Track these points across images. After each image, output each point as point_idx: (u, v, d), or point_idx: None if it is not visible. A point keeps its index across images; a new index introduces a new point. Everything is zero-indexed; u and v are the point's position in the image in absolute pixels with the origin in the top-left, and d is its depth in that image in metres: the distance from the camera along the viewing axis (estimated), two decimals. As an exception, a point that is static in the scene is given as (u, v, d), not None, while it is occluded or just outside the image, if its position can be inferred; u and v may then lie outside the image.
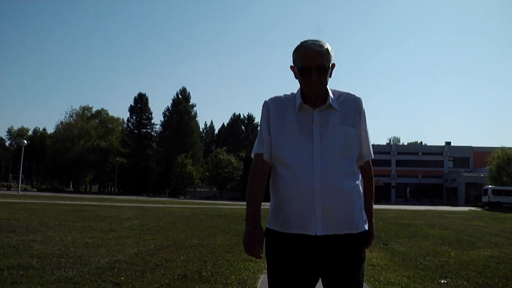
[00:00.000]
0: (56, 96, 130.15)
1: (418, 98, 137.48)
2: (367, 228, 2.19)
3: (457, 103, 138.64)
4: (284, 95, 2.28)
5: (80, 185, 78.65)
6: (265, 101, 2.27)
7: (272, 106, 2.23)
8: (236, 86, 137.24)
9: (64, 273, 5.47)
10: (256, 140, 2.30)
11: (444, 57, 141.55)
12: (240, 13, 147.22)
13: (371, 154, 2.30)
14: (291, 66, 2.21)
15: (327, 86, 2.19)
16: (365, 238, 2.18)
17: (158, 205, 27.70)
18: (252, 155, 2.29)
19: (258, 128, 2.33)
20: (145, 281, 5.26)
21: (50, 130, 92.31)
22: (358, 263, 2.10)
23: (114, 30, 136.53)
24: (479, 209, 41.18)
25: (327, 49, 2.11)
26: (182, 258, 7.03)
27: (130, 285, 5.07)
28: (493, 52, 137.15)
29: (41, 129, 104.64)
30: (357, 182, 2.14)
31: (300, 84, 2.17)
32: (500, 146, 52.80)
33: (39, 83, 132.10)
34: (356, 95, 2.26)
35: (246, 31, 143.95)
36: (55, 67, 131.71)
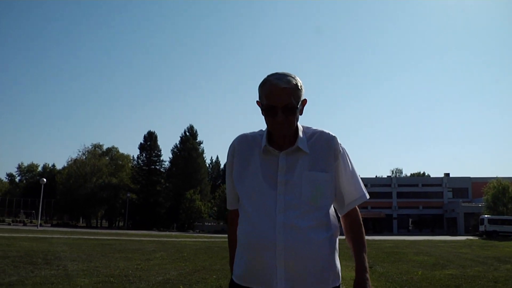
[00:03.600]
0: (65, 133, 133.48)
1: (418, 129, 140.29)
2: (338, 284, 1.95)
3: (456, 133, 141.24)
4: (252, 133, 2.09)
5: (91, 220, 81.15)
6: (232, 143, 2.09)
7: (238, 148, 2.06)
8: (241, 121, 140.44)
9: (138, 285, 7.99)
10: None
11: (444, 85, 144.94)
12: (241, 47, 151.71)
13: (362, 196, 2.06)
14: (257, 101, 2.02)
15: (299, 124, 2.01)
16: None
17: (172, 239, 30.00)
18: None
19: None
20: (195, 289, 7.77)
21: (59, 166, 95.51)
22: None
23: (123, 69, 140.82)
24: (477, 238, 42.99)
25: (296, 85, 1.91)
26: (214, 276, 9.53)
27: (186, 291, 7.57)
28: (490, 81, 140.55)
29: (50, 165, 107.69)
30: (328, 235, 1.92)
31: (266, 123, 1.97)
32: (495, 176, 55.18)
33: (48, 120, 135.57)
34: (331, 133, 2.02)
35: (248, 66, 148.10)
36: (64, 105, 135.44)
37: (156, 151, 75.53)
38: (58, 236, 27.55)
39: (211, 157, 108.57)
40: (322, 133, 2.02)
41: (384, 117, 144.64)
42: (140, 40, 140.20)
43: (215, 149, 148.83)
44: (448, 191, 74.13)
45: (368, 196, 2.09)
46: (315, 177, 1.93)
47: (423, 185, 75.69)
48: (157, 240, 27.46)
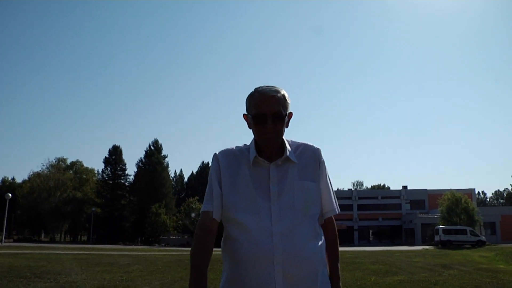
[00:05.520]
0: (25, 146, 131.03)
1: (378, 141, 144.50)
2: None
3: (414, 146, 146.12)
4: (236, 147, 2.11)
5: (55, 235, 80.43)
6: (215, 154, 2.08)
7: (223, 160, 2.05)
8: (204, 134, 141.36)
9: (131, 293, 9.20)
10: (205, 196, 2.07)
11: (403, 99, 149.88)
12: (204, 62, 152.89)
13: (335, 209, 2.13)
14: (244, 115, 2.07)
15: (284, 137, 2.05)
16: None
17: (141, 253, 30.77)
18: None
19: (208, 184, 2.09)
20: (181, 295, 9.05)
21: (19, 179, 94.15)
22: None
23: (87, 83, 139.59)
24: (432, 248, 45.14)
25: (283, 96, 1.99)
26: (193, 285, 10.78)
27: (174, 297, 8.84)
28: (447, 96, 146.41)
29: (9, 179, 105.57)
30: (320, 243, 1.99)
31: (254, 134, 2.02)
32: (449, 188, 58.16)
33: (7, 133, 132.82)
34: (315, 145, 2.11)
35: (210, 80, 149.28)
36: (25, 117, 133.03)
37: (121, 165, 76.17)
38: (29, 251, 28.02)
39: (175, 171, 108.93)
40: (306, 145, 2.11)
41: (347, 129, 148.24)
42: (104, 53, 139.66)
43: (179, 162, 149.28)
44: (406, 203, 77.15)
45: (338, 211, 2.15)
46: (306, 186, 2.00)
47: (382, 198, 78.54)
48: (127, 254, 28.21)
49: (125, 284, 10.86)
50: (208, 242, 1.96)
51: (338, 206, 2.15)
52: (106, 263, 18.66)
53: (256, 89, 2.03)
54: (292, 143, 2.10)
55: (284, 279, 1.85)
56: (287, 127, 2.04)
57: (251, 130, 2.05)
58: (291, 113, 2.04)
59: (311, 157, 2.07)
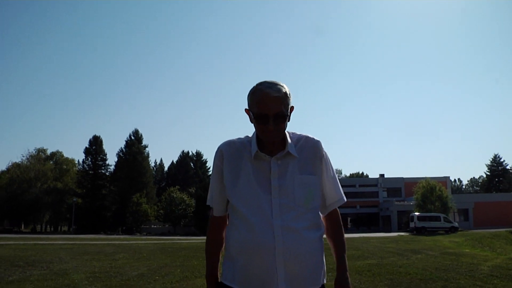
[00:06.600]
0: (4, 137, 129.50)
1: (356, 130, 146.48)
2: (325, 282, 2.11)
3: (392, 135, 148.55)
4: (238, 139, 2.17)
5: (36, 226, 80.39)
6: (219, 148, 2.14)
7: (226, 154, 2.11)
8: (184, 124, 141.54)
9: (123, 278, 10.05)
10: (209, 187, 2.21)
11: (378, 88, 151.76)
12: (182, 54, 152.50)
13: (341, 199, 2.21)
14: (246, 109, 2.10)
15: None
16: None
17: (124, 242, 31.39)
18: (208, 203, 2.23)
19: (211, 176, 2.21)
20: (168, 279, 9.92)
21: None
22: None
23: (67, 72, 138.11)
24: (407, 234, 46.58)
25: (285, 93, 2.00)
26: (178, 270, 11.66)
27: (162, 281, 9.71)
28: (423, 87, 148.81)
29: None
30: (319, 234, 2.06)
31: (256, 130, 2.06)
32: (424, 176, 59.87)
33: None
34: (315, 138, 2.17)
35: (188, 69, 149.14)
36: (4, 108, 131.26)
37: (101, 155, 76.00)
38: (13, 242, 28.39)
39: (155, 160, 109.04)
40: (307, 138, 2.15)
41: (325, 118, 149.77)
42: (84, 42, 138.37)
43: (158, 151, 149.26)
44: (383, 190, 78.88)
45: (345, 199, 2.24)
46: (306, 180, 2.05)
47: (360, 186, 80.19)
48: (111, 243, 28.79)
49: (115, 270, 11.65)
50: (216, 238, 2.26)
51: (344, 195, 2.24)
52: (93, 252, 19.35)
53: (257, 86, 2.05)
54: (293, 136, 2.15)
55: (285, 270, 1.94)
56: (288, 121, 2.07)
57: (252, 124, 2.10)
58: (292, 107, 2.07)
59: (311, 151, 2.13)
